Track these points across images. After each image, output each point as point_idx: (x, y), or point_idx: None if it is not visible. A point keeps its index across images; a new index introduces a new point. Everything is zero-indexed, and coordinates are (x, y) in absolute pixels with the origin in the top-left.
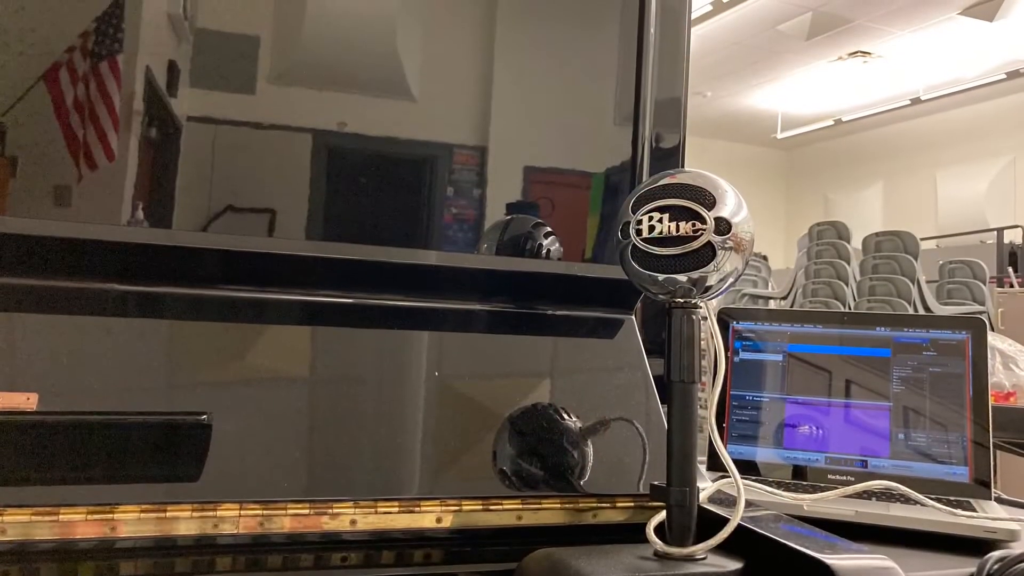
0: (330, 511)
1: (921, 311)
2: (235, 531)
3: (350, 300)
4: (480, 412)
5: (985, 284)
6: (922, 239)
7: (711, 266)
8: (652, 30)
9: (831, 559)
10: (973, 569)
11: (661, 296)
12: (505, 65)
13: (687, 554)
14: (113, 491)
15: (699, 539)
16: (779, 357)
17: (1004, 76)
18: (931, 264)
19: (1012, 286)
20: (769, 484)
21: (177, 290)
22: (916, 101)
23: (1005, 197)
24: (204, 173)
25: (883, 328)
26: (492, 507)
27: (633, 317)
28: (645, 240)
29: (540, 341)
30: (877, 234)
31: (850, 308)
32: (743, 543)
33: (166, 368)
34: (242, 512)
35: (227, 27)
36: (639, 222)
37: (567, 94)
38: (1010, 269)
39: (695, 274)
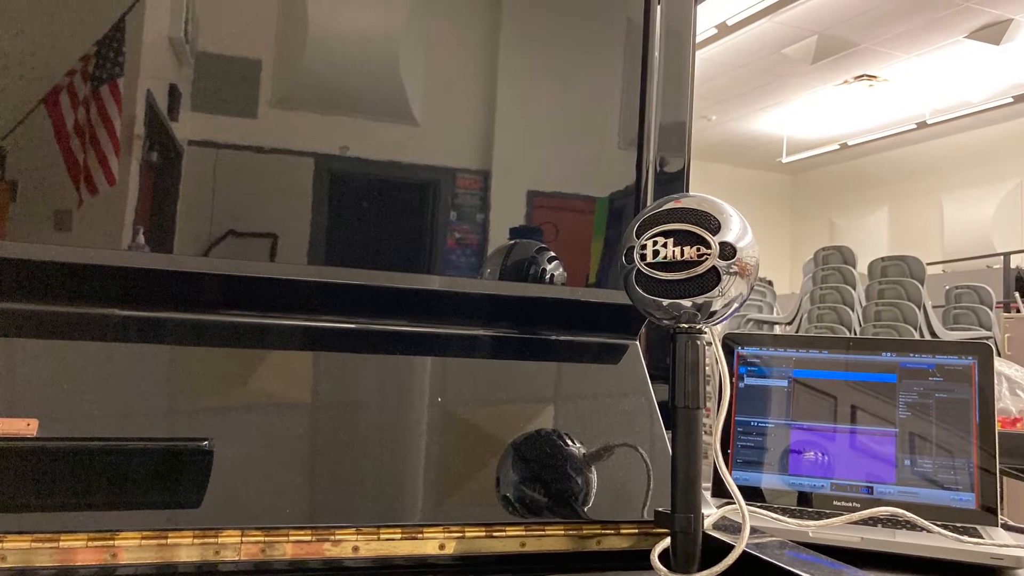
0: (332, 537)
1: (927, 336)
2: (237, 558)
3: (352, 325)
4: (483, 438)
5: (991, 309)
6: (928, 264)
7: (716, 291)
8: (656, 54)
9: None
10: None
11: (665, 321)
12: (508, 89)
13: None
14: (114, 517)
15: (704, 566)
16: (784, 383)
17: (1011, 100)
18: (937, 289)
19: (1019, 311)
20: (774, 510)
21: (178, 315)
22: (922, 125)
23: (1012, 221)
24: (205, 197)
25: (889, 354)
26: (495, 534)
27: (637, 342)
28: (649, 265)
29: (543, 367)
30: (883, 259)
31: (856, 333)
32: (748, 570)
33: (167, 394)
34: (244, 539)
35: (229, 51)
36: (643, 247)
37: (571, 118)
38: (1017, 294)
39: (700, 299)
